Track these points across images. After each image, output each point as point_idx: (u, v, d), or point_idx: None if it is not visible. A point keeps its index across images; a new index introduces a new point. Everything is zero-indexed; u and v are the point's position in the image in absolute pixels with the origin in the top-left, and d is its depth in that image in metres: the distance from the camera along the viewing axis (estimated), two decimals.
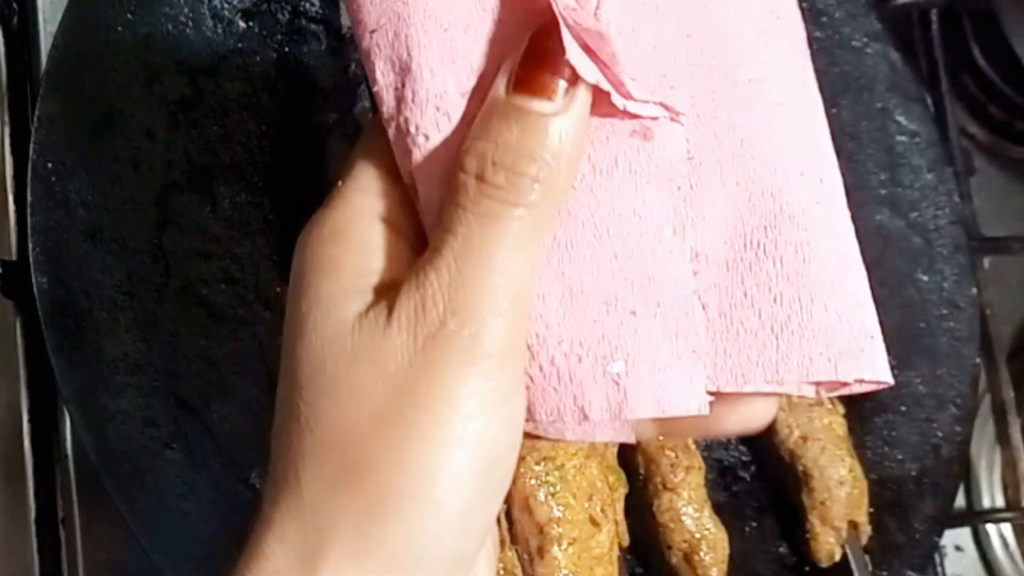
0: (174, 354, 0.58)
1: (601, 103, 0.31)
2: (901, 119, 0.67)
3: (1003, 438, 0.72)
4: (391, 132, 0.32)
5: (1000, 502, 0.73)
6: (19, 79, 0.65)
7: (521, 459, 0.38)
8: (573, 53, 0.30)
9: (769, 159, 0.34)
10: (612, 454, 0.56)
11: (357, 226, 0.33)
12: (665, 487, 0.58)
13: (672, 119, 0.32)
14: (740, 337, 0.32)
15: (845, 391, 0.34)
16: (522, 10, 0.32)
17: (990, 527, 0.73)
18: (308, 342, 0.32)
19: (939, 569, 0.68)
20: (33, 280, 0.57)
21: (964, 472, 0.70)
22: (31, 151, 0.58)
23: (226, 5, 0.61)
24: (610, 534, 0.40)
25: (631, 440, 0.34)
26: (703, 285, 0.33)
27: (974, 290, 0.66)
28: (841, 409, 0.61)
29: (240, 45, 0.61)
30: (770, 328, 0.33)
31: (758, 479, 0.64)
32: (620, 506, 0.55)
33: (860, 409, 0.64)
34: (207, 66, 0.61)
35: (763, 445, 0.62)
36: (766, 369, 0.32)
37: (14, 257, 0.61)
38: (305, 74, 0.62)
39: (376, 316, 0.31)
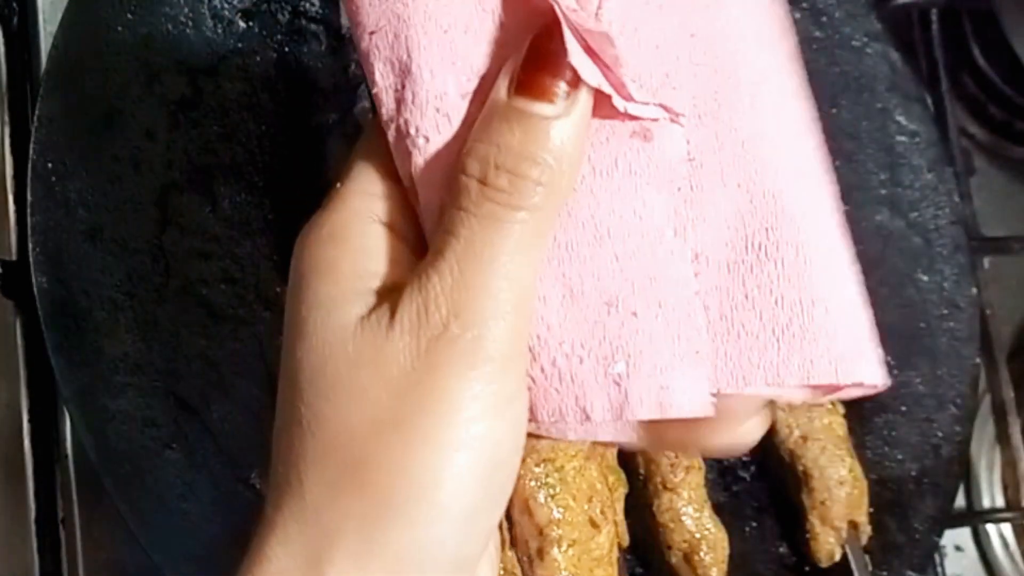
0: (174, 354, 0.58)
1: (602, 105, 0.31)
2: (901, 119, 0.66)
3: (1003, 438, 0.72)
4: (391, 134, 0.32)
5: (1000, 502, 0.73)
6: (19, 79, 0.65)
7: (521, 461, 0.38)
8: (576, 56, 0.30)
9: (770, 161, 0.34)
10: (612, 454, 0.56)
11: (357, 228, 0.33)
12: (665, 487, 0.58)
13: (672, 120, 0.32)
14: (741, 339, 0.32)
15: (842, 395, 0.34)
16: (523, 12, 0.32)
17: (990, 527, 0.73)
18: (309, 345, 0.32)
19: (939, 569, 0.68)
20: (33, 280, 0.57)
21: (964, 472, 0.70)
22: (31, 151, 0.58)
23: (226, 5, 0.61)
24: (610, 536, 0.40)
25: (632, 441, 0.34)
26: (704, 287, 0.33)
27: (974, 290, 0.66)
28: (841, 409, 0.61)
29: (240, 45, 0.61)
30: (771, 330, 0.33)
31: (758, 479, 0.64)
32: (620, 506, 0.55)
33: (860, 409, 0.64)
34: (207, 66, 0.61)
35: (763, 445, 0.61)
36: (767, 371, 0.32)
37: (14, 257, 0.61)
38: (305, 74, 0.62)
39: (378, 319, 0.31)
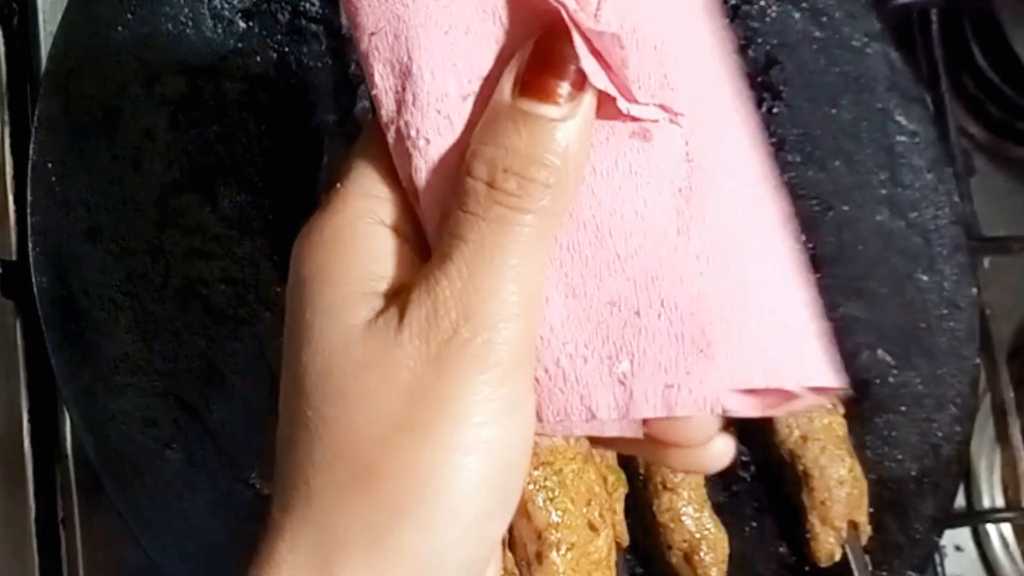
0: (174, 354, 0.58)
1: (603, 105, 0.31)
2: (901, 119, 0.67)
3: (1003, 438, 0.72)
4: (390, 136, 0.32)
5: (1000, 502, 0.73)
6: (19, 79, 0.65)
7: None
8: (585, 58, 0.30)
9: (760, 165, 0.34)
10: (612, 454, 0.56)
11: (359, 230, 0.32)
12: (665, 487, 0.58)
13: (672, 121, 0.32)
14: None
15: (795, 405, 0.34)
16: (526, 12, 0.31)
17: (990, 527, 0.73)
18: (314, 349, 0.31)
19: (939, 569, 0.68)
20: (33, 280, 0.57)
21: (964, 472, 0.70)
22: (31, 151, 0.58)
23: (226, 5, 0.61)
24: (608, 539, 0.40)
25: (639, 436, 0.34)
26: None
27: (974, 290, 0.66)
28: (841, 409, 0.61)
29: (240, 45, 0.61)
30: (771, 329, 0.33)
31: (758, 479, 0.64)
32: (620, 506, 0.55)
33: (860, 409, 0.64)
34: (207, 66, 0.61)
35: (763, 445, 0.62)
36: (766, 371, 0.32)
37: (14, 257, 0.61)
38: (305, 74, 0.62)
39: (386, 323, 0.31)
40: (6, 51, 0.65)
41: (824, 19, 0.67)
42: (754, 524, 0.63)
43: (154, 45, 0.60)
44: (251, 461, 0.58)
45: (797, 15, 0.67)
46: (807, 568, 0.62)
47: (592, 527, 0.40)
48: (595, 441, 0.35)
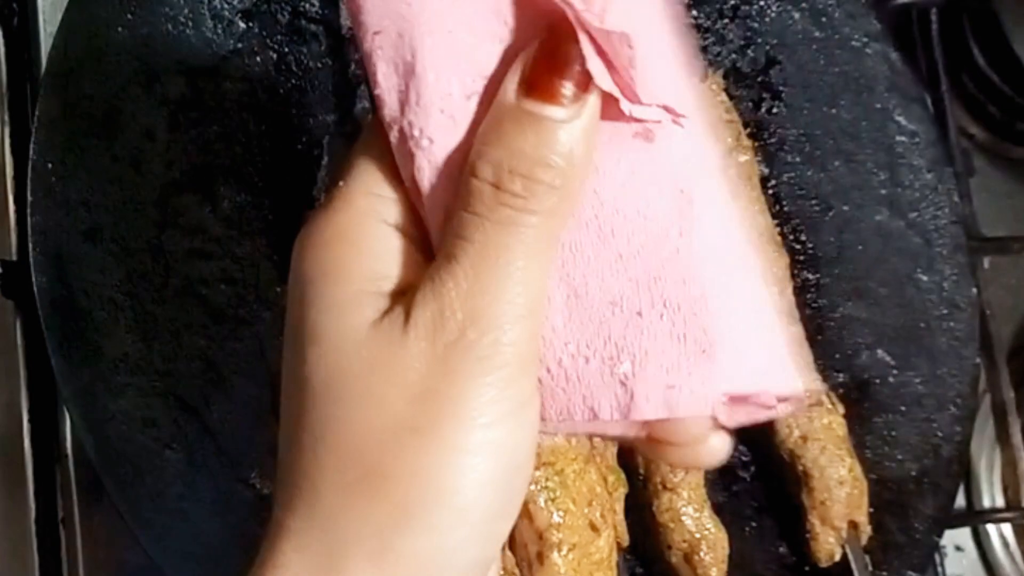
0: (174, 354, 0.58)
1: (606, 106, 0.31)
2: (901, 119, 0.67)
3: (1003, 438, 0.72)
4: (393, 135, 0.32)
5: (1000, 502, 0.73)
6: (19, 79, 0.65)
7: None
8: (591, 58, 0.30)
9: (727, 174, 0.34)
10: (612, 454, 0.56)
11: (363, 229, 0.32)
12: (665, 487, 0.58)
13: (674, 121, 0.32)
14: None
15: (768, 414, 0.34)
16: (530, 12, 0.31)
17: (990, 527, 0.73)
18: (319, 350, 0.31)
19: (939, 569, 0.68)
20: (33, 280, 0.57)
21: (964, 472, 0.70)
22: (31, 151, 0.58)
23: (226, 5, 0.61)
24: (609, 540, 0.40)
25: (641, 436, 0.34)
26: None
27: (974, 290, 0.66)
28: (841, 409, 0.61)
29: (240, 46, 0.61)
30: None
31: (758, 479, 0.64)
32: (620, 506, 0.55)
33: (860, 409, 0.64)
34: (207, 66, 0.61)
35: (763, 445, 0.62)
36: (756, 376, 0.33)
37: (14, 257, 0.61)
38: (305, 74, 0.62)
39: (391, 324, 0.31)
40: (6, 51, 0.65)
41: (824, 19, 0.67)
42: (754, 524, 0.63)
43: (154, 45, 0.60)
44: (251, 461, 0.58)
45: (797, 15, 0.67)
46: (807, 568, 0.62)
47: (593, 528, 0.40)
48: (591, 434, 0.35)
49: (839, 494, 0.60)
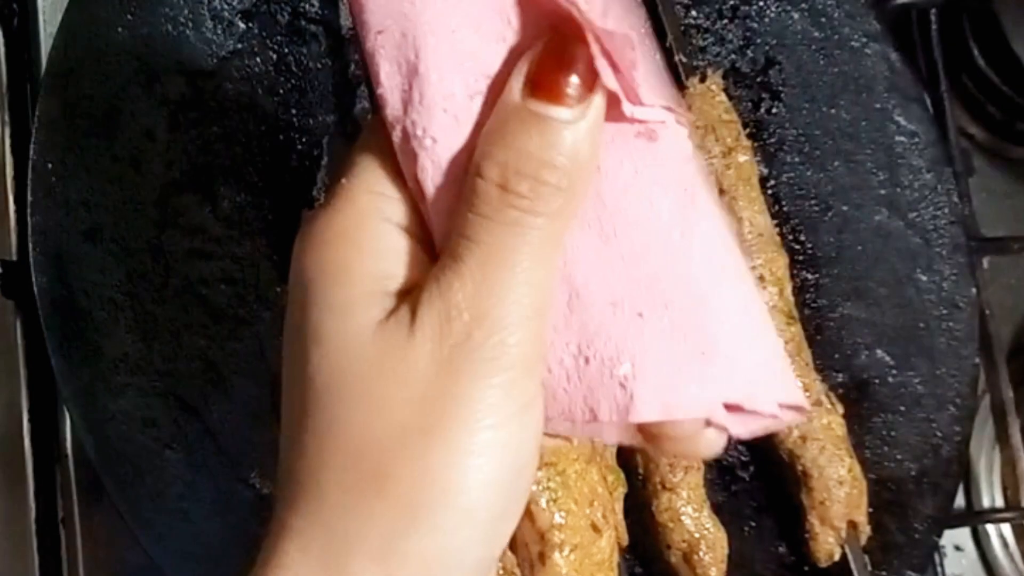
0: (174, 354, 0.58)
1: (609, 108, 0.31)
2: (900, 119, 0.67)
3: (1002, 438, 0.72)
4: (396, 135, 0.32)
5: (999, 502, 0.73)
6: (19, 79, 0.65)
7: None
8: (599, 60, 0.30)
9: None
10: (611, 453, 0.56)
11: (366, 227, 0.32)
12: (664, 487, 0.58)
13: (677, 121, 0.32)
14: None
15: (768, 425, 0.34)
16: (535, 12, 0.31)
17: (989, 527, 0.73)
18: (324, 350, 0.31)
19: (939, 569, 0.68)
20: (33, 280, 0.57)
21: (963, 472, 0.70)
22: (31, 151, 0.58)
23: (226, 6, 0.61)
24: (611, 540, 0.40)
25: (636, 439, 0.34)
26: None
27: (973, 290, 0.66)
28: (840, 409, 0.61)
29: (240, 46, 0.61)
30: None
31: (757, 479, 0.64)
32: (619, 506, 0.55)
33: (859, 409, 0.64)
34: (207, 66, 0.61)
35: (762, 445, 0.62)
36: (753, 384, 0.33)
37: (14, 257, 0.61)
38: (305, 74, 0.62)
39: (397, 324, 0.31)
40: (6, 51, 0.65)
41: (823, 19, 0.67)
42: (753, 524, 0.63)
43: (154, 45, 0.60)
44: (251, 461, 0.58)
45: (796, 15, 0.67)
46: (806, 568, 0.62)
47: (595, 528, 0.40)
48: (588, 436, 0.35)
49: (838, 494, 0.60)
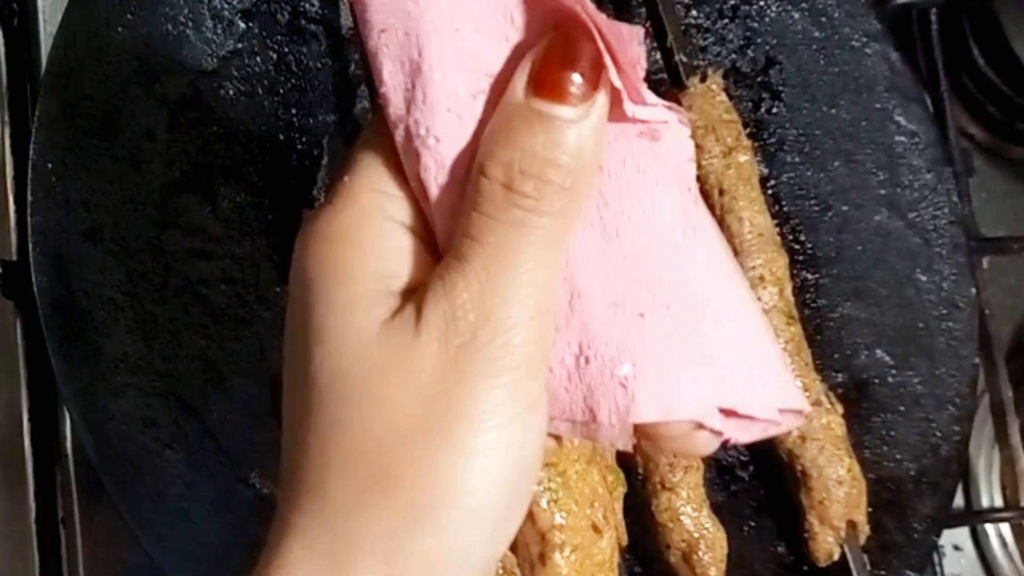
0: (174, 354, 0.58)
1: (613, 106, 0.31)
2: (900, 119, 0.67)
3: (1002, 438, 0.72)
4: (399, 134, 0.32)
5: (999, 502, 0.73)
6: (19, 79, 0.65)
7: None
8: (604, 57, 0.30)
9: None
10: (611, 453, 0.56)
11: (368, 226, 0.32)
12: (664, 486, 0.58)
13: (680, 121, 0.32)
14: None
15: (763, 430, 0.34)
16: (538, 11, 0.31)
17: (989, 527, 0.73)
18: (327, 350, 0.31)
19: (938, 569, 0.68)
20: (33, 280, 0.57)
21: (963, 472, 0.70)
22: (31, 151, 0.58)
23: (226, 5, 0.61)
24: (611, 541, 0.40)
25: (628, 447, 0.33)
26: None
27: (973, 290, 0.66)
28: (840, 409, 0.61)
29: (240, 46, 0.61)
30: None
31: (756, 479, 0.64)
32: (619, 505, 0.55)
33: (859, 409, 0.64)
34: (207, 66, 0.61)
35: (762, 445, 0.62)
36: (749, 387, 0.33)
37: (14, 257, 0.61)
38: (305, 74, 0.62)
39: (403, 324, 0.31)
40: (6, 51, 0.65)
41: (824, 19, 0.67)
42: (752, 524, 0.63)
43: (154, 45, 0.60)
44: (251, 461, 0.58)
45: (796, 15, 0.67)
46: (805, 568, 0.62)
47: (596, 529, 0.40)
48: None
49: (838, 494, 0.60)
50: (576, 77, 0.30)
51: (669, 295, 0.32)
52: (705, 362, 0.32)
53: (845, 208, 0.66)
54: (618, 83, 0.30)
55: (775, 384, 0.33)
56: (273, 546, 0.31)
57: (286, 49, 0.62)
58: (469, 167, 0.31)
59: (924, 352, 0.65)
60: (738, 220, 0.59)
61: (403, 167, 0.32)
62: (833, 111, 0.67)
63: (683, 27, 0.65)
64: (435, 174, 0.32)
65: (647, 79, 0.31)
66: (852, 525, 0.61)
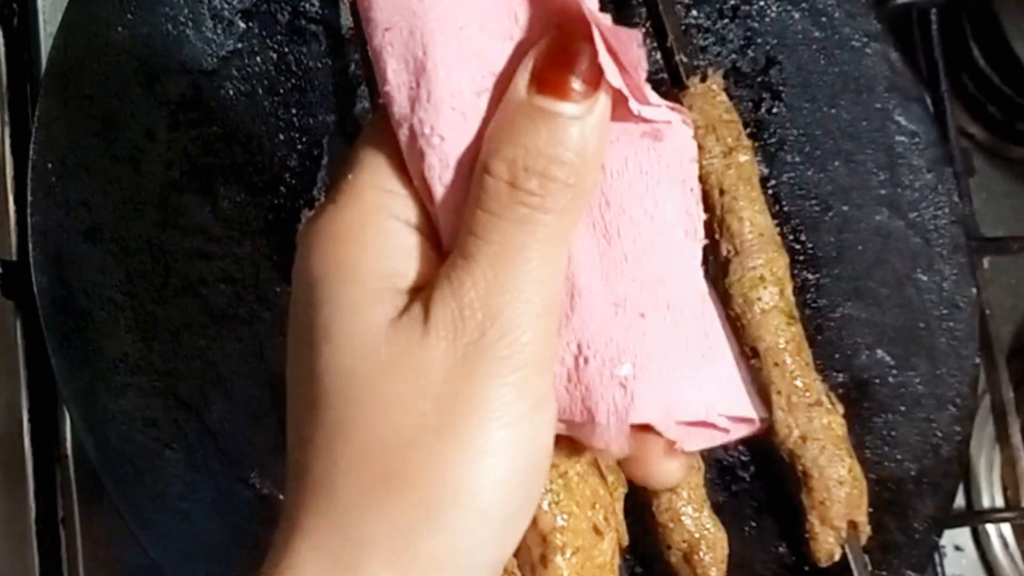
0: (174, 354, 0.58)
1: (615, 107, 0.31)
2: (901, 119, 0.67)
3: (1002, 438, 0.72)
4: (403, 133, 0.32)
5: (999, 502, 0.73)
6: (19, 79, 0.65)
7: None
8: (604, 56, 0.30)
9: None
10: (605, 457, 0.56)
11: (373, 225, 0.32)
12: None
13: (683, 122, 0.32)
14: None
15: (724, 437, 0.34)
16: (541, 9, 0.31)
17: (989, 527, 0.73)
18: (334, 348, 0.31)
19: (938, 569, 0.68)
20: (33, 280, 0.57)
21: (963, 472, 0.70)
22: (31, 151, 0.58)
23: (226, 5, 0.61)
24: (613, 543, 0.40)
25: (622, 454, 0.33)
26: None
27: (973, 290, 0.66)
28: (840, 409, 0.61)
29: (240, 46, 0.61)
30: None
31: (757, 479, 0.64)
32: (619, 506, 0.55)
33: (860, 409, 0.64)
34: (207, 66, 0.61)
35: (762, 445, 0.62)
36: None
37: (14, 257, 0.61)
38: (305, 74, 0.62)
39: (410, 323, 0.31)
40: (6, 51, 0.65)
41: (824, 19, 0.67)
42: (753, 524, 0.63)
43: (154, 45, 0.60)
44: (251, 461, 0.58)
45: (797, 15, 0.67)
46: (806, 568, 0.62)
47: (597, 531, 0.40)
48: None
49: (838, 494, 0.60)
50: (577, 74, 0.30)
51: (670, 295, 0.32)
52: (704, 363, 0.32)
53: (845, 208, 0.66)
54: (620, 83, 0.30)
55: (735, 393, 0.33)
56: (280, 546, 0.31)
57: (286, 49, 0.62)
58: (473, 165, 0.31)
59: (925, 352, 0.65)
60: (738, 220, 0.59)
61: (406, 165, 0.32)
62: (833, 111, 0.66)
63: (683, 27, 0.65)
64: (439, 172, 0.32)
65: (648, 79, 0.32)
66: (853, 525, 0.60)
